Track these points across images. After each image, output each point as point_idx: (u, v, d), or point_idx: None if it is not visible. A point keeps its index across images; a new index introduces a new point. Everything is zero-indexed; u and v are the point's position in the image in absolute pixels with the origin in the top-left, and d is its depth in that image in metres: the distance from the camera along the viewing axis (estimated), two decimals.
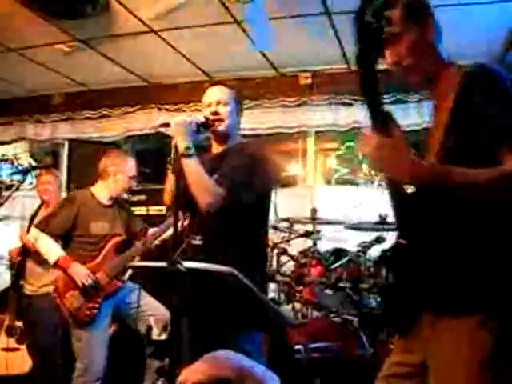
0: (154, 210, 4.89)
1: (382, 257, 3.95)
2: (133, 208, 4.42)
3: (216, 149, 2.80)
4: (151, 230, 3.98)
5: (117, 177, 3.92)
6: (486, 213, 1.58)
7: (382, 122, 1.58)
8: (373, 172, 5.62)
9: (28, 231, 4.15)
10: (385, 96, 5.29)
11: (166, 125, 2.63)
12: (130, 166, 4.00)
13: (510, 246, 1.60)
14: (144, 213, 4.94)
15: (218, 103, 2.72)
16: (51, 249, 3.80)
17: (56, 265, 3.75)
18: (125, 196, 4.14)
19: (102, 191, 3.94)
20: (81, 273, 3.69)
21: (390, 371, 1.78)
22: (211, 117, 2.67)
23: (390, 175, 1.67)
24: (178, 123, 2.52)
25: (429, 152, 1.71)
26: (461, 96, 1.61)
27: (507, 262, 1.58)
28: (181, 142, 2.48)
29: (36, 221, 4.19)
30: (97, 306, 3.72)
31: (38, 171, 4.99)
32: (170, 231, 3.75)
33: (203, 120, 2.62)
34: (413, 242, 1.69)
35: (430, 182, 1.56)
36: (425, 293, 1.66)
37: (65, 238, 3.88)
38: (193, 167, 2.50)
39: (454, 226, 1.62)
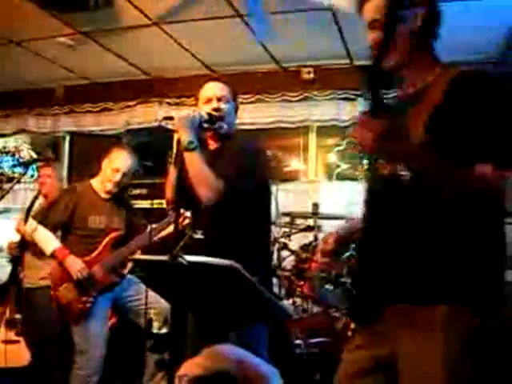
0: (157, 203, 4.87)
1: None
2: (134, 202, 4.40)
3: (213, 145, 2.80)
4: (148, 228, 3.95)
5: (104, 166, 3.89)
6: (461, 204, 1.58)
7: (380, 111, 1.60)
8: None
9: (25, 223, 4.13)
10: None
11: (170, 118, 2.62)
12: (115, 156, 3.88)
13: (483, 236, 1.60)
14: (148, 206, 4.93)
15: (219, 100, 2.71)
16: (48, 240, 3.79)
17: (53, 255, 3.75)
18: (109, 188, 3.95)
19: (99, 185, 3.93)
20: (75, 266, 3.67)
21: (355, 368, 1.74)
22: (214, 113, 2.66)
23: (386, 156, 1.66)
24: (182, 117, 2.52)
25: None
26: (453, 95, 1.61)
27: (480, 252, 1.59)
28: (184, 136, 2.48)
29: (33, 212, 4.18)
30: (90, 299, 3.69)
31: (38, 164, 4.98)
32: (170, 229, 3.75)
33: (206, 116, 2.61)
34: (382, 230, 1.69)
35: (426, 170, 1.57)
36: (393, 283, 1.64)
37: (63, 231, 3.87)
38: (195, 161, 2.50)
39: (428, 216, 1.61)
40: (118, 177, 3.82)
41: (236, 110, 2.83)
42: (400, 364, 1.62)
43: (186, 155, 2.49)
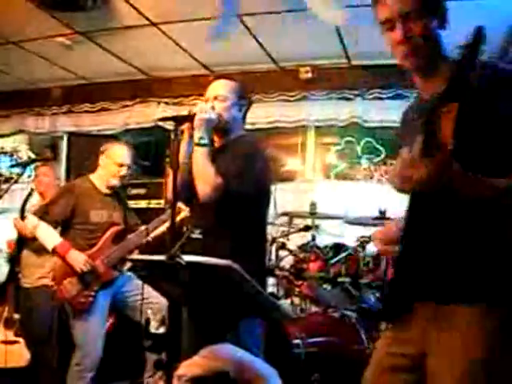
0: (155, 203, 4.86)
1: None
2: (132, 201, 4.40)
3: (217, 142, 2.82)
4: (143, 227, 3.96)
5: (105, 163, 3.91)
6: (491, 208, 1.58)
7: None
8: (372, 167, 5.62)
9: (21, 220, 4.12)
10: (385, 91, 5.29)
11: (166, 119, 2.66)
12: (117, 151, 3.91)
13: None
14: (145, 206, 4.92)
15: (215, 98, 2.74)
16: (50, 236, 3.80)
17: (54, 251, 3.75)
18: (114, 183, 3.96)
19: (99, 179, 3.93)
20: (79, 259, 3.68)
21: (388, 363, 1.75)
22: None
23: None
24: (202, 118, 2.58)
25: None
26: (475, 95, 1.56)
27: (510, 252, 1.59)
28: (197, 133, 2.58)
29: (32, 209, 4.17)
30: (93, 293, 3.71)
31: (36, 164, 4.98)
32: (163, 227, 3.78)
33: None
34: (423, 231, 1.67)
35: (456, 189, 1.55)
36: (425, 283, 1.65)
37: (64, 226, 3.87)
38: (201, 156, 2.57)
39: (458, 220, 1.61)
40: (123, 171, 3.87)
41: (240, 107, 2.83)
42: (429, 362, 1.63)
43: (196, 149, 2.58)
